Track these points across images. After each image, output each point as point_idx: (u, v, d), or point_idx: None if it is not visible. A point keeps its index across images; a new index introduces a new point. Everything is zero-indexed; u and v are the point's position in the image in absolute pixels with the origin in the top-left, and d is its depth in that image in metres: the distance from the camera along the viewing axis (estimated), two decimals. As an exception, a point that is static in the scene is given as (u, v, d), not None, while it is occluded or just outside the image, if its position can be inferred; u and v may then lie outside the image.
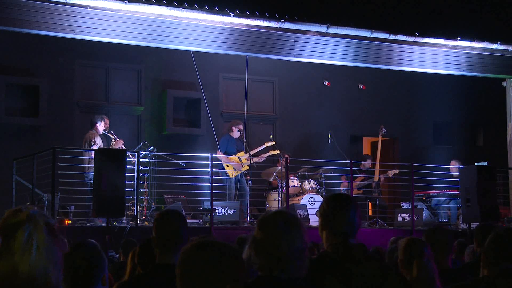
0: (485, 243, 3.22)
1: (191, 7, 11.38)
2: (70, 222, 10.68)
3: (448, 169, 13.85)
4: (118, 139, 11.62)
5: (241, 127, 12.66)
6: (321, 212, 3.28)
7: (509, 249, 3.13)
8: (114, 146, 11.49)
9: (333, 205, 3.25)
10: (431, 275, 3.83)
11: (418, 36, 13.10)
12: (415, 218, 12.30)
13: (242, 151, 12.53)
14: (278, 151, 12.85)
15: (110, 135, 11.69)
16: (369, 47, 12.91)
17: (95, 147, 10.96)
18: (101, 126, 11.61)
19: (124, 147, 11.59)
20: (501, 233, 3.21)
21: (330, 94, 15.81)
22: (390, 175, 13.60)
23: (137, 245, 5.99)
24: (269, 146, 12.94)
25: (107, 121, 11.83)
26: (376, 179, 13.58)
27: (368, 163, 13.88)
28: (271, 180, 13.17)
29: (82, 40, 11.52)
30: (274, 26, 12.08)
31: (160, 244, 3.56)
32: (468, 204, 11.43)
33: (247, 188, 12.50)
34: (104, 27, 11.02)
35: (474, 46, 13.60)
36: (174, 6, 11.25)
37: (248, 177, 12.65)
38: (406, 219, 12.52)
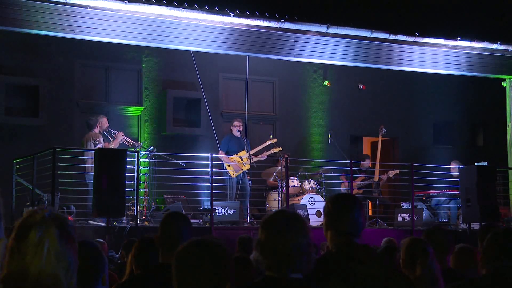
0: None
1: (191, 7, 11.38)
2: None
3: (448, 169, 13.86)
4: (117, 133, 11.60)
5: (236, 123, 12.63)
6: (325, 212, 3.29)
7: (507, 248, 3.14)
8: (116, 141, 11.47)
9: (338, 205, 3.26)
10: (434, 274, 3.84)
11: (418, 36, 13.10)
12: (415, 218, 12.30)
13: (244, 150, 12.51)
14: (280, 148, 12.85)
15: (107, 134, 11.67)
16: (369, 47, 12.91)
17: (100, 146, 10.95)
18: (100, 125, 11.60)
19: (125, 137, 11.59)
20: (499, 232, 3.23)
21: (330, 94, 15.81)
22: (391, 175, 13.60)
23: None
24: (271, 144, 12.93)
25: (106, 120, 11.81)
26: (376, 179, 13.58)
27: (367, 163, 13.88)
28: (271, 180, 13.17)
29: (82, 40, 11.52)
30: (274, 26, 12.08)
31: (162, 244, 3.63)
32: (468, 204, 11.44)
33: (249, 188, 12.50)
34: (104, 27, 11.02)
35: (474, 46, 13.60)
36: (174, 6, 11.25)
37: (248, 177, 12.64)
38: (406, 219, 12.52)
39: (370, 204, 13.73)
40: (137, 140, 11.89)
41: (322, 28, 12.39)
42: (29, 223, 1.87)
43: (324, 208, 3.31)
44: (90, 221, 10.79)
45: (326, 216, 3.27)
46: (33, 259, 1.82)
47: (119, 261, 7.92)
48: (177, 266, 2.32)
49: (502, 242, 3.16)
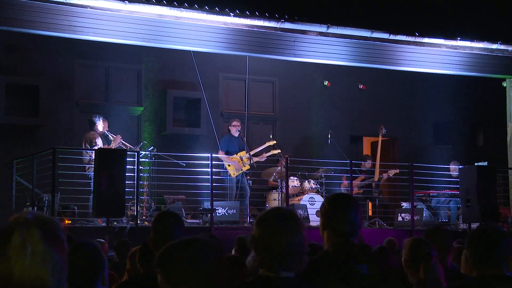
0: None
1: (191, 7, 11.38)
2: (70, 222, 10.68)
3: (448, 169, 13.87)
4: (115, 136, 11.62)
5: (235, 123, 12.64)
6: (322, 212, 3.28)
7: (485, 249, 3.17)
8: (114, 144, 11.49)
9: (334, 205, 3.26)
10: (437, 277, 3.84)
11: (418, 36, 13.10)
12: (415, 218, 12.30)
13: (244, 150, 12.52)
14: (279, 150, 12.85)
15: (108, 134, 11.68)
16: (369, 47, 12.91)
17: (96, 147, 10.95)
18: (100, 126, 11.62)
19: (123, 141, 11.60)
20: (478, 233, 3.26)
21: (330, 94, 15.81)
22: (391, 175, 13.61)
23: (131, 245, 6.02)
24: (270, 145, 12.94)
25: (107, 124, 11.83)
26: (376, 179, 13.58)
27: (368, 164, 13.88)
28: (271, 180, 13.17)
29: (82, 40, 11.52)
30: (274, 26, 12.08)
31: (156, 245, 3.62)
32: (468, 204, 11.44)
33: (248, 188, 12.51)
34: (104, 27, 11.01)
35: (474, 46, 13.60)
36: (174, 6, 11.25)
37: (248, 177, 12.65)
38: (406, 219, 12.52)
39: (370, 204, 13.73)
40: (134, 145, 11.88)
41: (322, 28, 12.39)
42: (12, 226, 1.87)
43: (321, 208, 3.31)
44: (90, 221, 10.80)
45: (323, 216, 3.27)
46: (16, 262, 1.82)
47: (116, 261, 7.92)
48: (161, 269, 2.29)
49: (480, 244, 3.20)
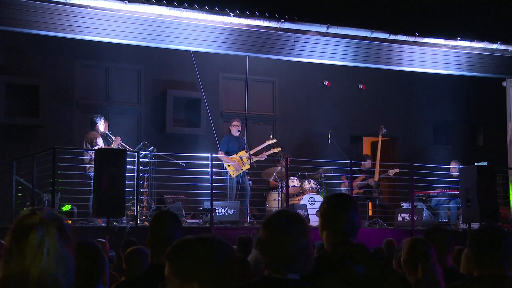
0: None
1: (191, 7, 11.38)
2: (70, 222, 10.66)
3: (448, 169, 13.86)
4: (115, 138, 11.62)
5: (236, 123, 12.64)
6: (321, 212, 3.28)
7: (487, 249, 3.18)
8: (113, 145, 11.49)
9: (333, 205, 3.26)
10: (436, 277, 3.84)
11: (418, 36, 13.10)
12: (415, 218, 12.31)
13: (244, 149, 12.52)
14: (280, 149, 12.86)
15: (108, 134, 11.69)
16: (369, 47, 12.91)
17: (97, 147, 10.95)
18: (101, 126, 11.62)
19: (122, 143, 11.60)
20: (480, 233, 3.27)
21: (330, 94, 15.81)
22: (391, 174, 13.62)
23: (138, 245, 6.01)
24: (270, 144, 12.94)
25: (107, 125, 11.84)
26: (376, 179, 13.58)
27: (368, 163, 13.89)
28: (271, 180, 13.17)
29: (82, 40, 11.53)
30: (274, 26, 12.08)
31: (153, 245, 3.61)
32: (468, 204, 11.43)
33: (249, 188, 12.51)
34: (104, 27, 11.02)
35: (474, 46, 13.60)
36: (174, 6, 11.26)
37: (248, 177, 12.65)
38: (406, 219, 12.53)
39: (370, 204, 13.73)
40: (133, 147, 11.88)
41: (322, 28, 12.39)
42: (28, 224, 1.85)
43: (320, 208, 3.31)
44: (91, 221, 10.79)
45: (322, 216, 3.28)
46: (34, 261, 1.81)
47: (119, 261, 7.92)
48: (171, 261, 2.26)
49: (481, 243, 3.21)
